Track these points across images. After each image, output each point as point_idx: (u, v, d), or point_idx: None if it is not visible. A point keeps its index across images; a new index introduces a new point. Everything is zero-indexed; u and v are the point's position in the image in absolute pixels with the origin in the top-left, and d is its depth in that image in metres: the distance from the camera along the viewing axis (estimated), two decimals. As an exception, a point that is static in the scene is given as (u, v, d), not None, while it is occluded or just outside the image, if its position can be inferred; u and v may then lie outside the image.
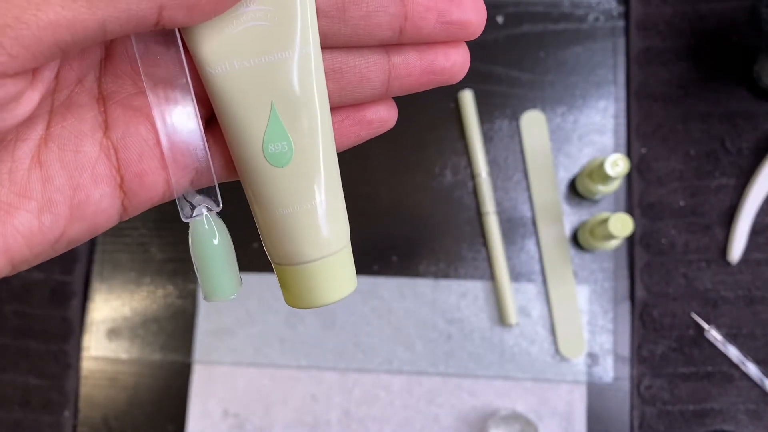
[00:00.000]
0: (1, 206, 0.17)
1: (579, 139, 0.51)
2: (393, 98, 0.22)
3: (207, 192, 0.21)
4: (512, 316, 0.49)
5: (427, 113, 0.52)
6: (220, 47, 0.19)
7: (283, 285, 0.22)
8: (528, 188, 0.51)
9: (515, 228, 0.51)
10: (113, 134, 0.19)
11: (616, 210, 0.50)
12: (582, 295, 0.49)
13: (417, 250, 0.51)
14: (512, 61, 0.52)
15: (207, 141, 0.20)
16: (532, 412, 0.49)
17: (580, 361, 0.49)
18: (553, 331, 0.49)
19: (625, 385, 0.48)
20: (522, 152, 0.52)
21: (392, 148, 0.52)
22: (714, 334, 0.48)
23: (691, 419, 0.48)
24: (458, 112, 0.52)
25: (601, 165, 0.45)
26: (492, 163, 0.51)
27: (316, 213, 0.20)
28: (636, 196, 0.50)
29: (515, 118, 0.52)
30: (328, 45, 0.20)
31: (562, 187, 0.51)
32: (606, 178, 0.45)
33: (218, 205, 0.21)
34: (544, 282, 0.50)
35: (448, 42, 0.21)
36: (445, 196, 0.51)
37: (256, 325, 0.51)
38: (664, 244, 0.49)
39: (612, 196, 0.50)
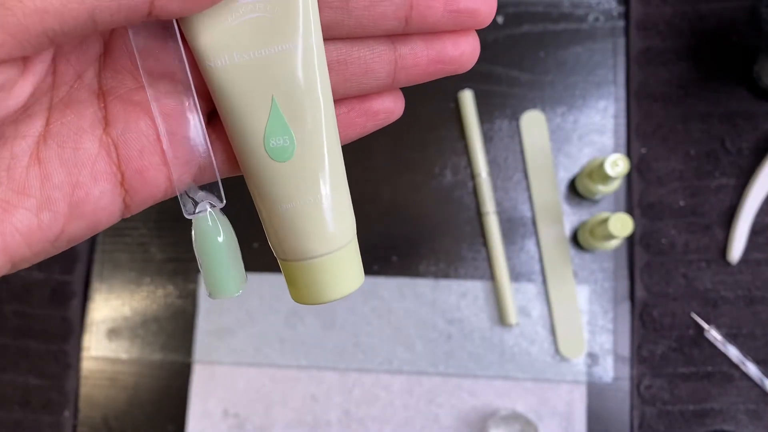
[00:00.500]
0: (0, 204, 0.17)
1: (579, 139, 0.51)
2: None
3: (210, 188, 0.21)
4: (512, 316, 0.49)
5: (427, 113, 0.52)
6: (219, 40, 0.18)
7: (290, 281, 0.21)
8: (528, 188, 0.51)
9: (515, 228, 0.51)
10: (113, 130, 0.19)
11: (616, 210, 0.50)
12: (582, 295, 0.49)
13: (417, 250, 0.51)
14: (512, 61, 0.52)
15: (209, 136, 0.20)
16: (532, 412, 0.49)
17: (580, 361, 0.49)
18: (553, 331, 0.49)
19: (625, 385, 0.48)
20: (522, 152, 0.52)
21: (392, 147, 0.52)
22: (714, 334, 0.48)
23: (691, 419, 0.48)
24: (458, 112, 0.52)
25: (601, 165, 0.45)
26: (492, 163, 0.51)
27: (321, 207, 0.20)
28: (636, 196, 0.50)
29: (515, 118, 0.52)
30: (331, 36, 0.19)
31: (562, 187, 0.51)
32: (606, 178, 0.45)
33: (222, 201, 0.21)
34: (544, 282, 0.50)
35: (457, 31, 0.20)
36: (445, 196, 0.51)
37: (256, 325, 0.51)
38: (664, 244, 0.49)
39: (612, 196, 0.50)
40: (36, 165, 0.18)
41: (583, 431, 0.48)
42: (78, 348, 0.52)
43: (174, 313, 0.52)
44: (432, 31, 0.20)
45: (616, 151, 0.51)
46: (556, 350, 0.49)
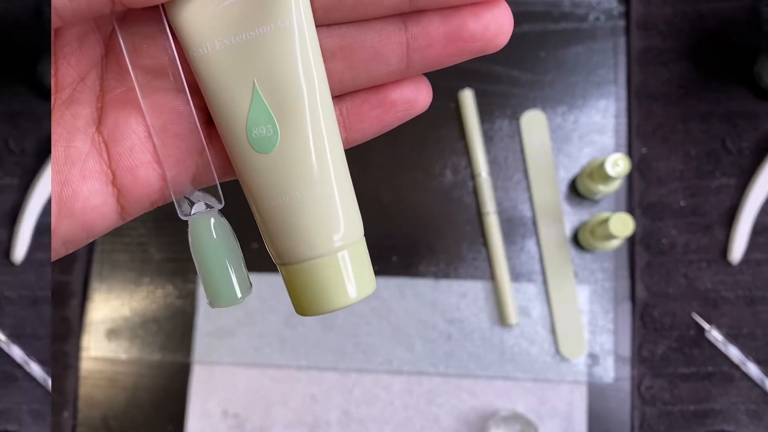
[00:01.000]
0: None
1: (579, 138, 0.51)
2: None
3: (208, 188, 0.20)
4: (512, 316, 0.49)
5: (427, 113, 0.52)
6: (202, 28, 0.17)
7: (290, 290, 0.19)
8: (528, 188, 0.51)
9: (515, 228, 0.51)
10: (104, 128, 0.18)
11: (616, 210, 0.50)
12: (582, 295, 0.49)
13: (417, 250, 0.51)
14: (512, 60, 0.52)
15: (207, 134, 0.19)
16: (533, 413, 0.49)
17: (580, 362, 0.49)
18: (553, 331, 0.49)
19: (626, 385, 0.48)
20: (522, 152, 0.51)
21: (392, 147, 0.52)
22: (714, 335, 0.48)
23: (692, 419, 0.48)
24: (458, 112, 0.52)
25: (601, 165, 0.45)
26: (492, 162, 0.51)
27: (313, 204, 0.18)
28: (636, 196, 0.50)
29: (515, 117, 0.52)
30: (333, 20, 0.18)
31: (563, 187, 0.51)
32: (606, 178, 0.45)
33: (220, 202, 0.20)
34: (545, 282, 0.50)
35: (479, 2, 0.17)
36: (445, 196, 0.51)
37: (256, 325, 0.51)
38: (664, 244, 0.49)
39: (612, 196, 0.50)
40: None
41: (584, 431, 0.48)
42: (77, 348, 0.52)
43: (173, 313, 0.52)
44: (447, 5, 0.17)
45: (616, 150, 0.51)
46: (557, 350, 0.49)
